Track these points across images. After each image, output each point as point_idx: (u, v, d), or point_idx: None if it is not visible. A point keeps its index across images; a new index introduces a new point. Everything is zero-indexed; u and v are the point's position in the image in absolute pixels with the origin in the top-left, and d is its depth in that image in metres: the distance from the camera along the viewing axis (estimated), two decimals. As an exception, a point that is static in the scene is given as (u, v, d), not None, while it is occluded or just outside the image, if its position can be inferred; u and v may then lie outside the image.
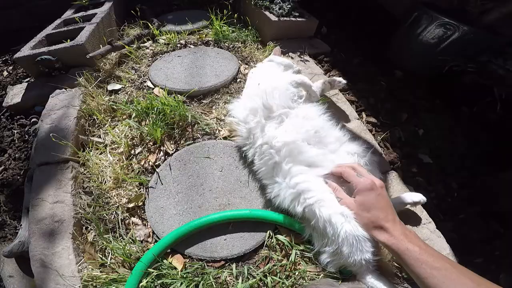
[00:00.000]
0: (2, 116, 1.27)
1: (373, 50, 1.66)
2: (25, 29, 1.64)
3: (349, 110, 1.13)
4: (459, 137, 1.27)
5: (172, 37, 1.53)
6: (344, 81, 1.07)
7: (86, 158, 0.95)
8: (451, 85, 1.41)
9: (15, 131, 1.19)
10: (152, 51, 1.46)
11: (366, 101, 1.31)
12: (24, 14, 1.93)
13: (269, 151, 0.84)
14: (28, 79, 1.45)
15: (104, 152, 0.99)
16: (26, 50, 1.21)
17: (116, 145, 1.00)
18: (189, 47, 1.52)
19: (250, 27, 1.64)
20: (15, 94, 1.24)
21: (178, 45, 1.52)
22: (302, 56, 1.44)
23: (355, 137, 0.98)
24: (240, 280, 0.75)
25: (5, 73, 1.56)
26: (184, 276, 0.75)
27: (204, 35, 1.64)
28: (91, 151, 0.98)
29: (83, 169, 0.96)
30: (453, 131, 1.29)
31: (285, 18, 1.52)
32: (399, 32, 1.58)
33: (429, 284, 0.59)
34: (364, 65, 1.56)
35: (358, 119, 1.11)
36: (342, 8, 1.98)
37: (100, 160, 0.95)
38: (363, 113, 1.26)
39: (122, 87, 1.23)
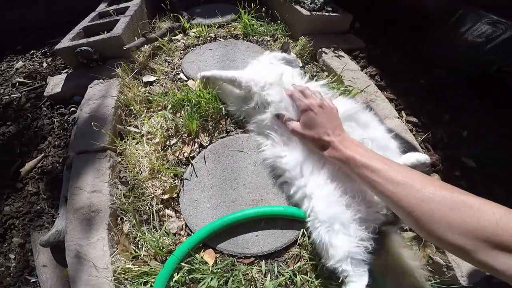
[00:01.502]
0: (42, 105, 1.32)
1: (410, 48, 1.57)
2: (58, 24, 1.72)
3: (389, 108, 1.08)
4: (506, 140, 1.18)
5: (202, 30, 1.53)
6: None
7: (123, 148, 0.97)
8: (498, 86, 1.31)
9: (55, 120, 1.24)
10: (183, 44, 1.47)
11: (405, 99, 1.25)
12: (55, 10, 2.00)
13: None
14: (66, 70, 1.50)
15: (140, 142, 1.00)
16: (66, 42, 1.25)
17: (152, 136, 1.01)
18: (219, 40, 1.52)
19: (279, 21, 1.61)
20: (56, 84, 1.28)
21: (208, 38, 1.52)
22: (336, 51, 1.39)
23: (395, 136, 0.93)
24: (268, 278, 0.74)
25: (45, 64, 1.63)
26: (215, 271, 0.74)
27: (233, 29, 1.62)
28: (128, 140, 0.99)
29: (119, 159, 0.97)
30: (499, 134, 1.20)
31: (317, 13, 1.48)
32: (440, 30, 1.49)
33: (378, 191, 0.58)
34: (402, 62, 1.49)
35: (398, 117, 1.05)
36: (368, 5, 1.89)
37: (136, 150, 0.96)
38: (402, 112, 1.20)
39: (156, 79, 1.24)
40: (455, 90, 1.34)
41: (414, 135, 1.07)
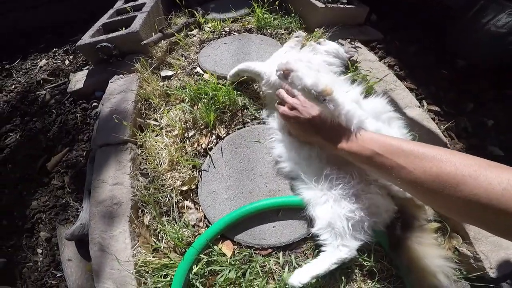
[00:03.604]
0: (66, 101, 1.37)
1: (429, 39, 1.52)
2: (76, 22, 1.76)
3: (409, 97, 1.05)
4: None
5: (217, 25, 1.54)
6: None
7: (143, 140, 0.99)
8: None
9: (78, 115, 1.28)
10: (199, 39, 1.48)
11: (426, 89, 1.21)
12: (70, 7, 2.07)
13: None
14: (88, 66, 1.55)
15: (159, 134, 1.02)
16: (86, 38, 1.28)
17: (170, 128, 1.03)
18: (234, 34, 1.52)
19: (293, 14, 1.59)
20: (78, 81, 1.33)
21: (223, 32, 1.53)
22: (353, 42, 1.36)
23: (417, 125, 0.91)
24: (286, 269, 0.74)
25: (67, 61, 1.69)
26: (233, 263, 0.74)
27: (246, 23, 1.62)
28: (147, 132, 1.01)
29: (140, 151, 1.00)
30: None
31: (332, 5, 1.45)
32: (460, 21, 1.43)
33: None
34: (421, 53, 1.44)
35: (419, 107, 1.02)
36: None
37: (156, 142, 0.98)
38: (423, 101, 1.16)
39: (174, 73, 1.26)
40: (476, 80, 1.29)
41: (436, 123, 1.03)
